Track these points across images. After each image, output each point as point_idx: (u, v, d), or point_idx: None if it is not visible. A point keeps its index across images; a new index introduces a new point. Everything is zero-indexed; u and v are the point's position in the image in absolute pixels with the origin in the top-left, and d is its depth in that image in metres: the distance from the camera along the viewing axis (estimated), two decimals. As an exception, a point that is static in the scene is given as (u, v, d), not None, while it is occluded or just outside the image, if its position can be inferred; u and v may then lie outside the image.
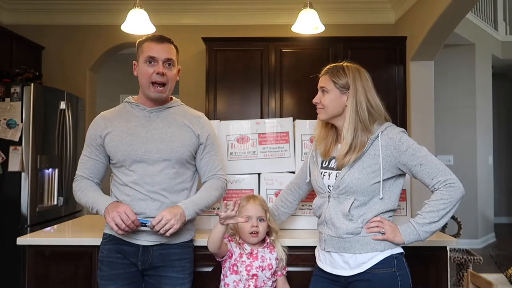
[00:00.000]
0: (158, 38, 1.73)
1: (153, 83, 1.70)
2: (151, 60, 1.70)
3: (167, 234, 1.60)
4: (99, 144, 1.74)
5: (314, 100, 1.66)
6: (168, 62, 1.72)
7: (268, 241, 1.80)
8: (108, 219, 1.60)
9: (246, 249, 1.75)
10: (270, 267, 1.74)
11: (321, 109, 1.64)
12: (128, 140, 1.70)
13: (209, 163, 1.80)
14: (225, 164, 2.05)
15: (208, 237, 1.71)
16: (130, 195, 1.68)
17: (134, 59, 1.78)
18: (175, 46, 1.78)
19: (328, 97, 1.61)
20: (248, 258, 1.73)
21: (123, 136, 1.71)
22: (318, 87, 1.66)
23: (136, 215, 1.61)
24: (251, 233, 1.73)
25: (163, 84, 1.71)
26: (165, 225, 1.58)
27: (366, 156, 1.55)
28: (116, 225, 1.57)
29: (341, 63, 1.65)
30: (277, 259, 1.77)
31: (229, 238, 1.79)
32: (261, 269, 1.72)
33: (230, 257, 1.75)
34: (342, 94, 1.60)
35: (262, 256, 1.75)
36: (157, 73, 1.69)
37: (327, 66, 1.68)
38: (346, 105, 1.60)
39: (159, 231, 1.59)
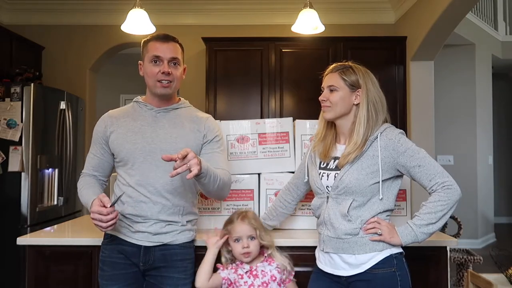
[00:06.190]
0: (163, 37, 1.72)
1: (158, 81, 1.69)
2: (157, 59, 1.69)
3: (189, 176, 1.43)
4: (104, 142, 1.74)
5: (321, 98, 1.62)
6: (174, 61, 1.71)
7: (265, 254, 1.74)
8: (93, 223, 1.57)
9: (244, 268, 1.70)
10: (274, 278, 1.69)
11: (328, 107, 1.60)
12: (133, 139, 1.69)
13: (214, 157, 1.73)
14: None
15: (198, 271, 1.69)
16: (133, 197, 1.67)
17: (136, 59, 1.78)
18: (180, 44, 1.77)
19: (337, 95, 1.58)
20: (249, 278, 1.69)
21: (128, 134, 1.70)
22: (325, 85, 1.62)
23: (105, 206, 1.53)
24: (243, 253, 1.69)
25: (168, 82, 1.70)
26: (192, 159, 1.43)
27: (365, 157, 1.54)
28: (100, 226, 1.54)
29: (346, 63, 1.63)
30: (278, 267, 1.71)
31: (222, 266, 1.73)
32: (264, 285, 1.67)
33: (230, 284, 1.70)
34: (351, 93, 1.58)
35: (262, 271, 1.70)
36: (163, 73, 1.68)
37: (333, 65, 1.64)
38: (353, 104, 1.58)
39: (183, 160, 1.43)
